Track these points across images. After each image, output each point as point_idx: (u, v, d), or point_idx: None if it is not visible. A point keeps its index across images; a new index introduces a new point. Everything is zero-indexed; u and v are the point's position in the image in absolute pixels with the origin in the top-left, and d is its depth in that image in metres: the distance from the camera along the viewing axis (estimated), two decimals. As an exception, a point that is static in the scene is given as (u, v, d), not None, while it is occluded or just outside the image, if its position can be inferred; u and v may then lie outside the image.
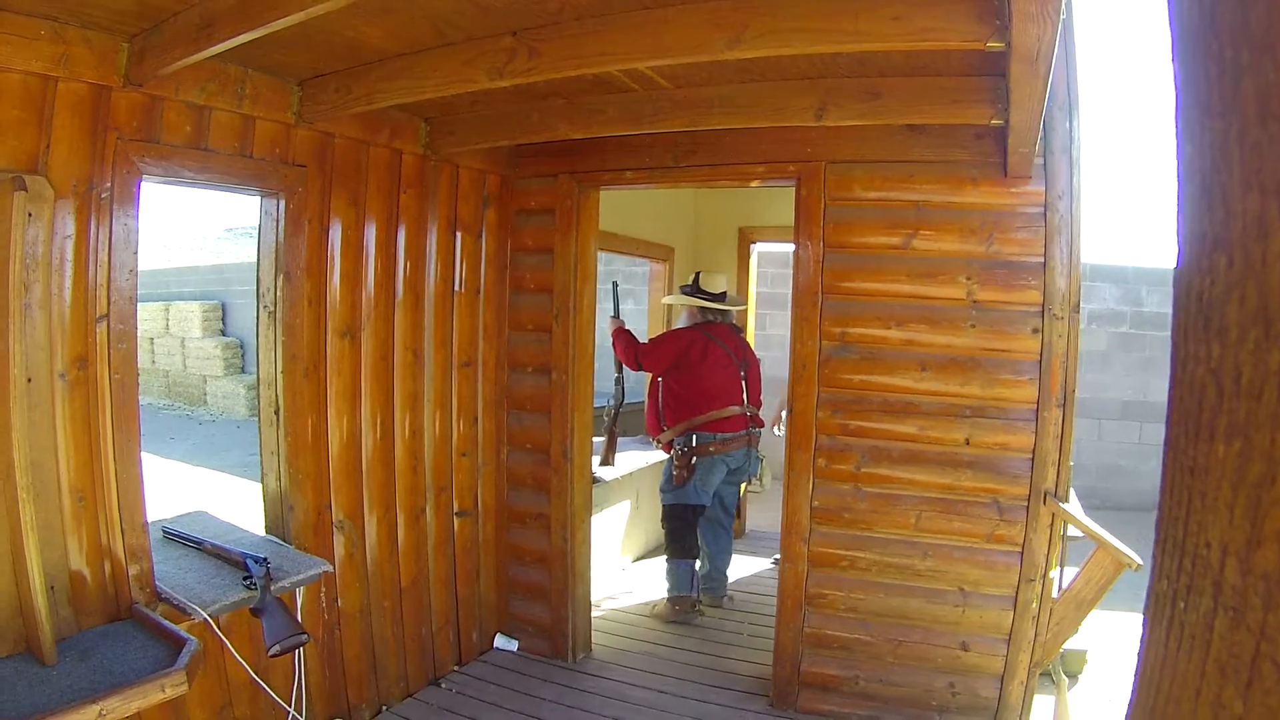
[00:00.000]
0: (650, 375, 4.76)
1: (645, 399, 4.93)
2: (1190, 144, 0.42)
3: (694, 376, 4.53)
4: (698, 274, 4.78)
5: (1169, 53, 0.44)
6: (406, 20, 2.37)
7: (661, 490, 4.72)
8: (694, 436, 4.52)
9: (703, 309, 4.71)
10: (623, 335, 4.70)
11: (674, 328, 4.97)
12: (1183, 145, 0.43)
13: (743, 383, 4.66)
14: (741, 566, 5.42)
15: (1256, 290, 0.36)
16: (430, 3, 2.25)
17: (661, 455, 4.92)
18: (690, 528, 4.63)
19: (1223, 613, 0.40)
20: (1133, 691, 0.53)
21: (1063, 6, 1.73)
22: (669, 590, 4.65)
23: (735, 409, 4.59)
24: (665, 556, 4.71)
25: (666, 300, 5.74)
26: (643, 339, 4.85)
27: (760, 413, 4.82)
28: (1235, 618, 0.39)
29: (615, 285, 5.00)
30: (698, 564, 4.71)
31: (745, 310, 5.76)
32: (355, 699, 3.40)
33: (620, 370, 4.90)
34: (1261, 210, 0.35)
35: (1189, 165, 0.42)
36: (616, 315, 4.86)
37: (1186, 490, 0.43)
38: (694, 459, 4.51)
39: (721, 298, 4.74)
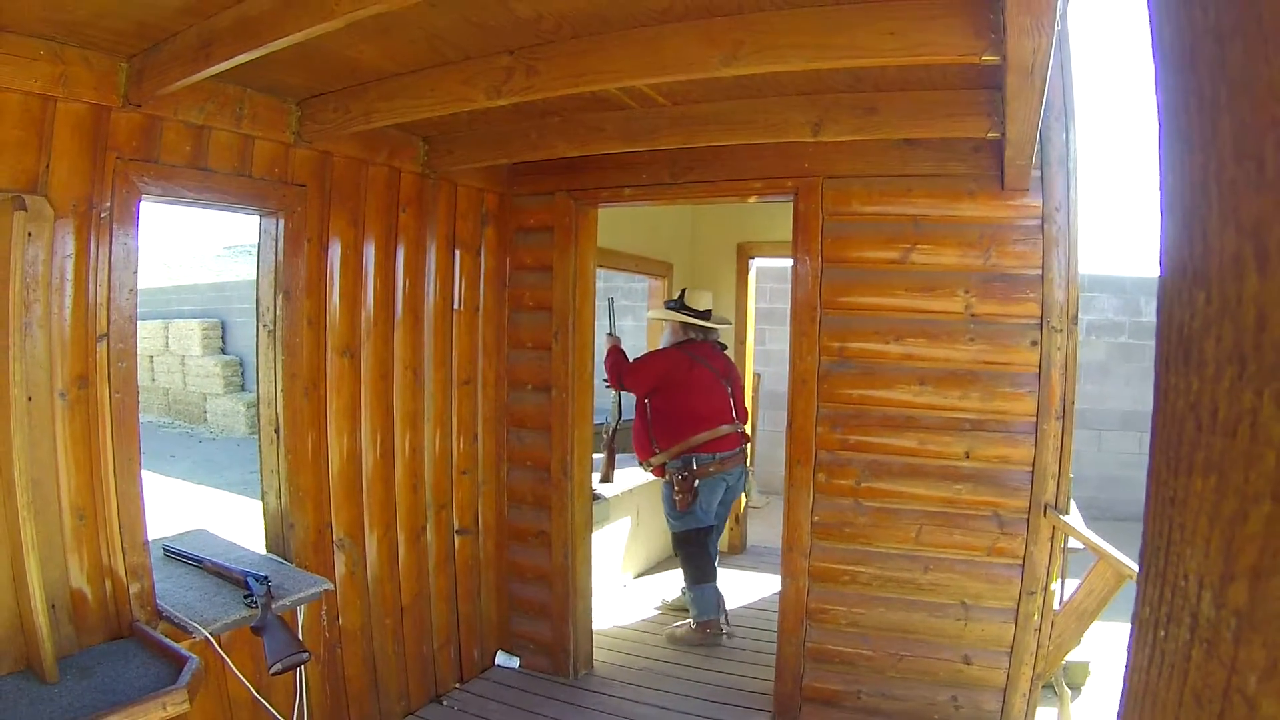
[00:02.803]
0: (636, 397, 4.67)
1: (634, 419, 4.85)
2: (1172, 174, 0.42)
3: (681, 397, 4.48)
4: (684, 290, 4.75)
5: (1153, 82, 0.44)
6: (405, 40, 2.39)
7: (668, 517, 4.65)
8: (694, 459, 4.46)
9: (685, 325, 4.64)
10: (613, 354, 4.67)
11: (660, 346, 4.88)
12: (1165, 175, 0.43)
13: (730, 400, 4.63)
14: (742, 582, 5.41)
15: (1232, 329, 0.36)
16: (428, 22, 2.26)
17: None
18: (704, 551, 4.56)
19: (1198, 644, 0.40)
20: (1119, 716, 0.53)
21: (1058, 19, 1.74)
22: (695, 616, 4.58)
23: (727, 428, 4.55)
24: (685, 583, 4.64)
25: (651, 315, 5.70)
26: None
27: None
28: (1209, 650, 0.39)
29: (610, 302, 4.94)
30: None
31: (731, 328, 5.60)
32: (357, 716, 3.38)
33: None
34: (1238, 249, 0.36)
35: (1171, 195, 0.42)
36: (612, 332, 4.84)
37: (1168, 521, 0.43)
38: (696, 481, 4.44)
39: (707, 315, 4.67)
